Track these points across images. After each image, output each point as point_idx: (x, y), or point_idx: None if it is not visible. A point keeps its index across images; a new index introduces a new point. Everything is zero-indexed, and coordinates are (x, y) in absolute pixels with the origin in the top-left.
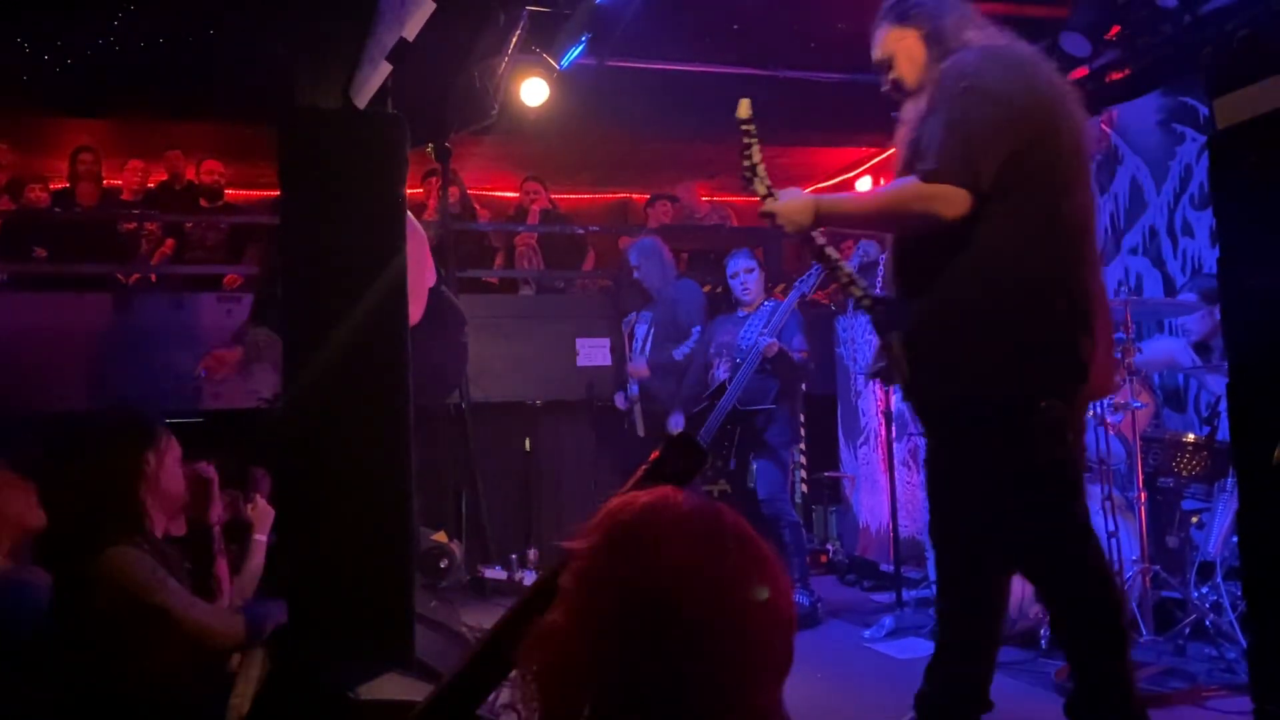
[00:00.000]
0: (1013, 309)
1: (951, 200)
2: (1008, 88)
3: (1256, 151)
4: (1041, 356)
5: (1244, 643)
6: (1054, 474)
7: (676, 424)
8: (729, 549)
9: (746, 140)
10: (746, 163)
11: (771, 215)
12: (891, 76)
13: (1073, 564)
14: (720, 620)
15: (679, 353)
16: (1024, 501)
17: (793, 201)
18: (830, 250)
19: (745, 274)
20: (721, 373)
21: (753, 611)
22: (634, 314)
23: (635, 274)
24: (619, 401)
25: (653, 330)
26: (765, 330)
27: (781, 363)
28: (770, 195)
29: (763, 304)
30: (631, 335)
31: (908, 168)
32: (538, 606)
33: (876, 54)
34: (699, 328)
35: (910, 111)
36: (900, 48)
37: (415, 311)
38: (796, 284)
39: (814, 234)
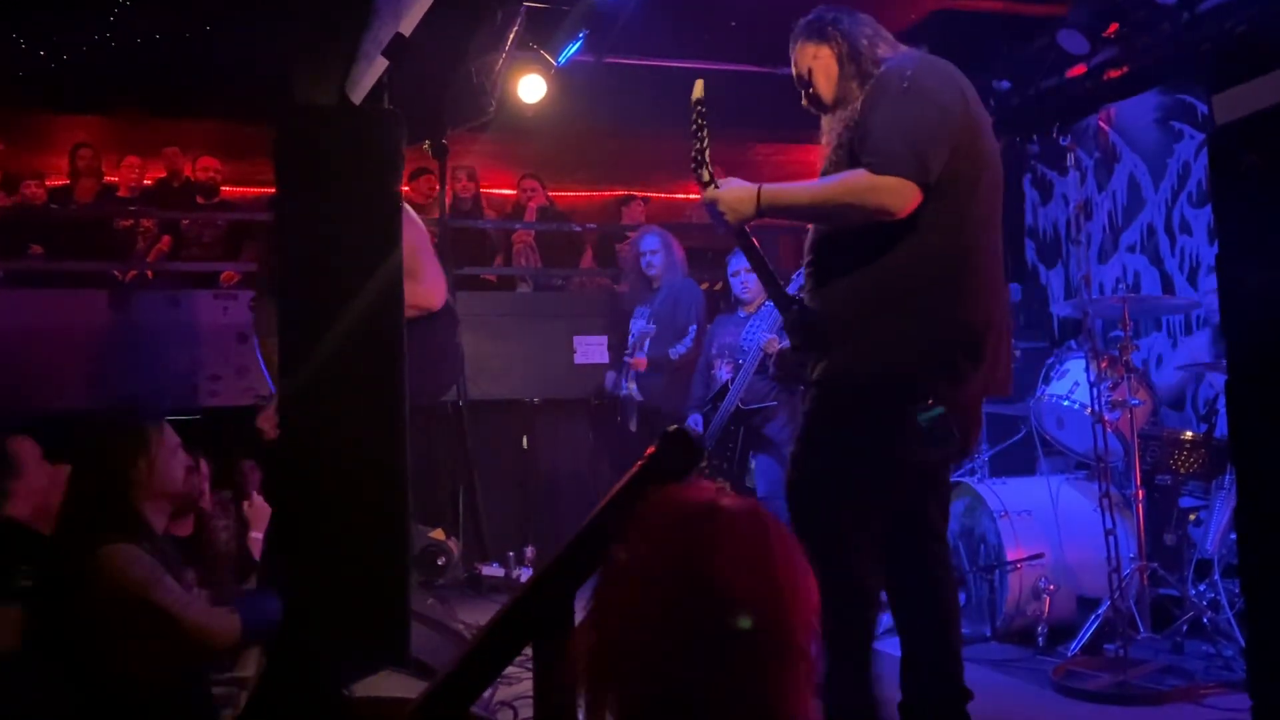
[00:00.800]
0: (924, 301)
1: (902, 194)
2: (945, 92)
3: (1256, 148)
4: (934, 354)
5: (1242, 640)
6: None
7: (695, 423)
8: (774, 546)
9: (698, 123)
10: (697, 145)
11: (713, 203)
12: (810, 92)
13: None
14: (768, 609)
15: (675, 352)
16: (860, 476)
17: (734, 190)
18: (758, 246)
19: (746, 273)
20: (724, 374)
21: (794, 603)
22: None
23: (648, 257)
24: (609, 382)
25: (653, 324)
26: (765, 326)
27: (781, 361)
28: (713, 183)
29: (765, 303)
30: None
31: (851, 163)
32: (532, 604)
33: (794, 70)
34: (695, 327)
35: (831, 123)
36: (817, 64)
37: (437, 296)
38: (794, 278)
39: (747, 229)
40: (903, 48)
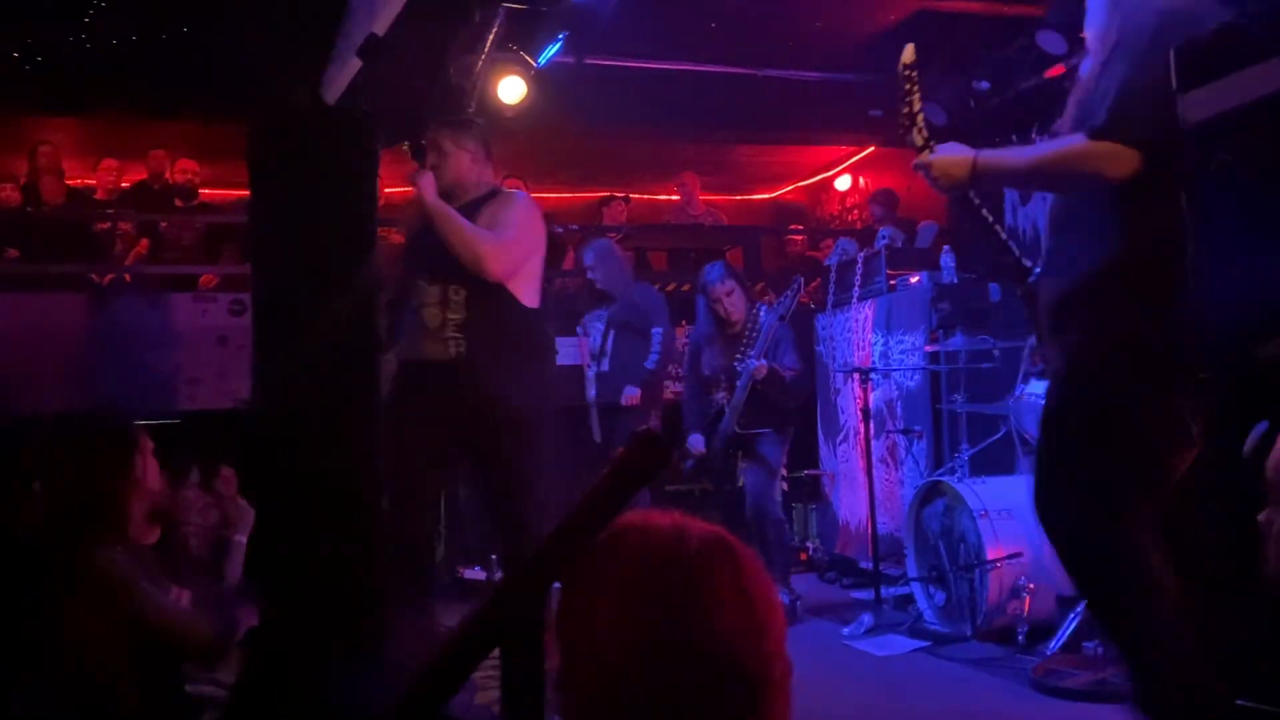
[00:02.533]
0: (1155, 286)
1: (1120, 159)
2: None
3: (1227, 146)
4: (1164, 347)
5: None
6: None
7: (696, 442)
8: (749, 575)
9: (908, 86)
10: (905, 110)
11: (926, 168)
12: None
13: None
14: (753, 646)
15: (650, 363)
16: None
17: (949, 156)
18: (985, 211)
19: (726, 298)
20: (720, 397)
21: (772, 632)
22: (585, 315)
23: (589, 274)
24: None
25: (613, 333)
26: (752, 353)
27: (773, 384)
28: (927, 147)
29: (749, 324)
30: (587, 335)
31: (1076, 127)
32: (501, 608)
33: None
34: (659, 330)
35: (1082, 69)
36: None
37: (533, 292)
38: (776, 306)
39: (971, 194)
40: None
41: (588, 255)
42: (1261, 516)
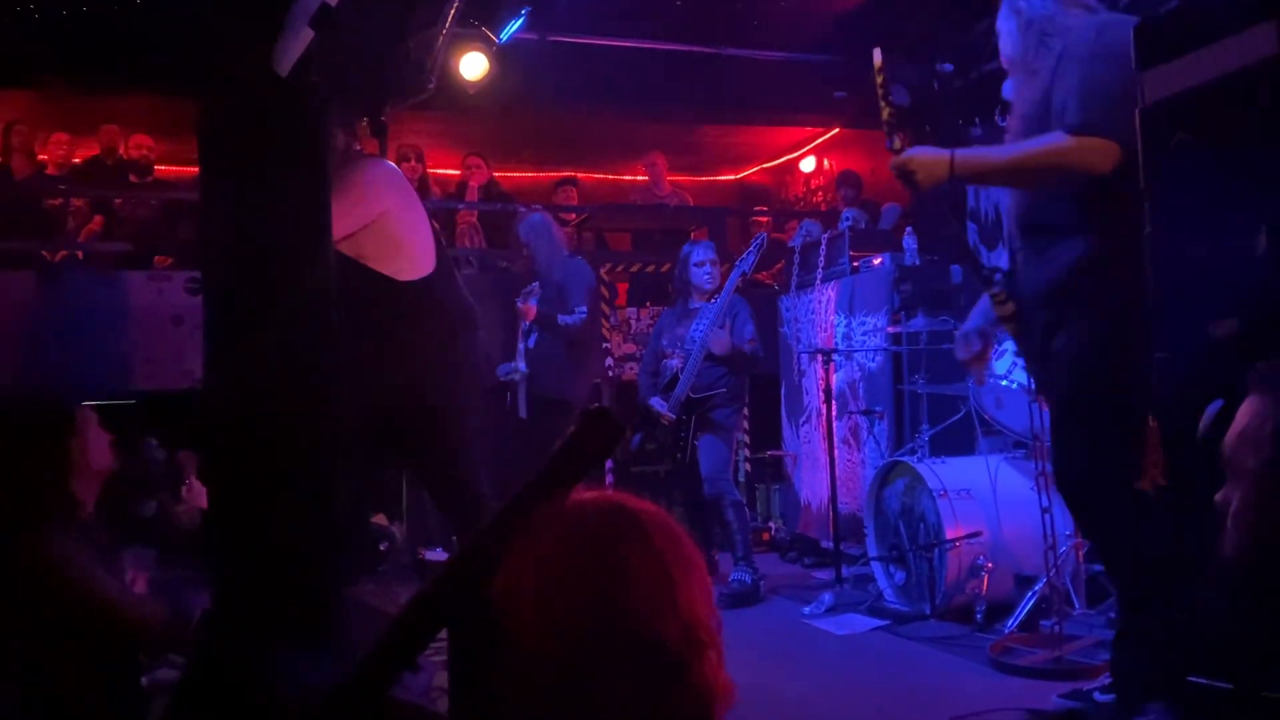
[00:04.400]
0: (1134, 275)
1: (1105, 153)
2: (1128, 55)
3: (1186, 125)
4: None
5: None
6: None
7: (657, 405)
8: (689, 559)
9: (881, 90)
10: (884, 113)
11: (902, 166)
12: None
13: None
14: (684, 609)
15: (563, 319)
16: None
17: (927, 154)
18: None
19: (711, 265)
20: (674, 364)
21: (703, 595)
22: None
23: (525, 252)
24: (501, 371)
25: (540, 308)
26: (713, 322)
27: (733, 354)
28: (901, 149)
29: (718, 296)
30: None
31: (1034, 132)
32: (447, 588)
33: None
34: (585, 309)
35: (1007, 91)
36: (1005, 28)
37: (427, 260)
38: (737, 264)
39: (954, 198)
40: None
41: (521, 231)
42: (1219, 496)
